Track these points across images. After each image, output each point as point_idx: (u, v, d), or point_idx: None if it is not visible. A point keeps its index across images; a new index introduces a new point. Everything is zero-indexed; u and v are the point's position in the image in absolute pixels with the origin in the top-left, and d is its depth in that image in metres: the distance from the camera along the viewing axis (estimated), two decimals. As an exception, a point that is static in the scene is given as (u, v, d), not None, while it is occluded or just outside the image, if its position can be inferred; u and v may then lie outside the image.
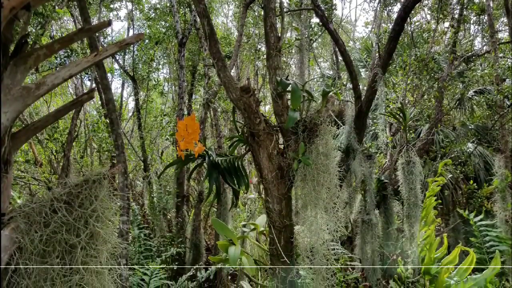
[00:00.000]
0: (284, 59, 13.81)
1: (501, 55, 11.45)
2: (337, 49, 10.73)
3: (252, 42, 14.95)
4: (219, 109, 13.42)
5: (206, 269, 8.83)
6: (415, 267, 6.41)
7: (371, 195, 7.38)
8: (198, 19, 11.57)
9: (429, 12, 13.13)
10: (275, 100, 4.81)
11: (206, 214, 12.93)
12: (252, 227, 5.80)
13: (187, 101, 12.52)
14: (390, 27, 9.80)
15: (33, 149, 11.07)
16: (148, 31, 14.07)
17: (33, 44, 7.51)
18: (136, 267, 8.37)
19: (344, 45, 7.34)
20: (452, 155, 9.97)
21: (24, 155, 10.67)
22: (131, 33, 16.25)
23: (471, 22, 13.27)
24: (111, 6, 13.54)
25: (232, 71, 13.03)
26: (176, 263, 10.20)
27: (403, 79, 10.43)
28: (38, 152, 11.24)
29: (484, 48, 13.61)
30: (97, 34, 9.01)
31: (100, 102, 12.18)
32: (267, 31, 5.13)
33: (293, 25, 10.98)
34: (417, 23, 12.48)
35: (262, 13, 6.69)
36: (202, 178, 13.05)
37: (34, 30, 7.92)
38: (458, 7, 10.93)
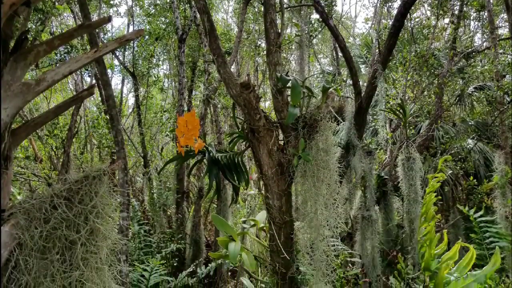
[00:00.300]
0: (284, 55, 13.82)
1: (501, 51, 11.46)
2: (337, 45, 10.73)
3: (252, 38, 14.95)
4: (219, 105, 13.42)
5: (206, 265, 8.83)
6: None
7: (371, 191, 7.38)
8: (198, 15, 11.57)
9: (429, 8, 13.14)
10: (275, 96, 4.81)
11: (206, 210, 12.95)
12: (252, 223, 5.81)
13: (187, 97, 12.51)
14: (390, 23, 9.79)
15: (33, 145, 11.08)
16: (148, 27, 14.06)
17: (33, 40, 7.51)
18: (138, 265, 8.37)
19: (344, 41, 7.33)
20: (452, 151, 9.97)
21: (24, 151, 10.67)
22: (131, 29, 16.25)
23: (471, 18, 13.26)
24: (111, 2, 13.53)
25: (232, 67, 13.03)
26: (176, 259, 10.21)
27: (403, 75, 10.43)
28: (38, 148, 11.24)
29: (484, 44, 13.60)
30: (97, 30, 9.01)
31: (100, 98, 12.17)
32: (267, 27, 5.13)
33: (293, 21, 10.95)
34: (417, 19, 12.48)
35: (262, 9, 6.69)
36: (202, 174, 13.06)
37: (34, 26, 7.92)
38: (458, 3, 10.92)
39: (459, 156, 10.28)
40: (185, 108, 11.95)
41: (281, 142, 4.65)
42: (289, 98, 4.70)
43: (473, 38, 14.51)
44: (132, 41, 12.42)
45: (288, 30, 15.32)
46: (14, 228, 2.50)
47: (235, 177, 4.77)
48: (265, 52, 6.99)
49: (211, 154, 4.63)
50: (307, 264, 4.19)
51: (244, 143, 4.94)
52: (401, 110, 7.03)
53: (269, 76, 5.00)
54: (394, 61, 11.21)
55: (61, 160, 10.12)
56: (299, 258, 4.39)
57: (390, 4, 11.84)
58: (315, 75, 16.41)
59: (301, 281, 4.46)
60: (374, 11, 14.42)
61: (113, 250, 2.74)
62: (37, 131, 10.07)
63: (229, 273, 10.75)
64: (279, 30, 5.19)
